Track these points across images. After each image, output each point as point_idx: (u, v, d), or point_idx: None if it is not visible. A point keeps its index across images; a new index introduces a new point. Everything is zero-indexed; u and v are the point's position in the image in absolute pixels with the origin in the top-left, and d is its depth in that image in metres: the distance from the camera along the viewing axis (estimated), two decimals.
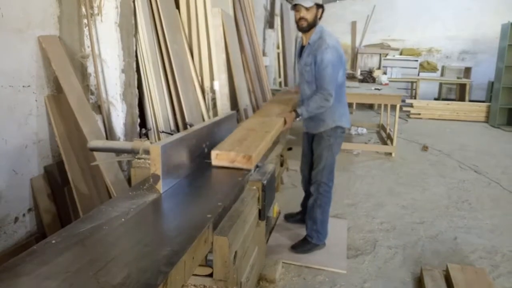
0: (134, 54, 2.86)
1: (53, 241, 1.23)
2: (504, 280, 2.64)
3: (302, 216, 3.32)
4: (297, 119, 2.71)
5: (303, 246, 2.87)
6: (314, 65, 2.58)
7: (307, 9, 2.53)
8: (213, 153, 2.02)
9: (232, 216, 1.61)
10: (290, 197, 3.91)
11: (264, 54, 7.29)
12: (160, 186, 1.63)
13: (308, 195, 3.19)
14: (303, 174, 3.19)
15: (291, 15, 10.22)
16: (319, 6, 2.59)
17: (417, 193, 4.22)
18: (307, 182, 3.12)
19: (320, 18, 2.65)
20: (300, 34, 2.77)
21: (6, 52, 2.16)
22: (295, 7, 2.59)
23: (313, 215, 2.85)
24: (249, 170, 1.97)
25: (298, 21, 2.61)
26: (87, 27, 2.66)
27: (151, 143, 1.96)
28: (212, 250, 1.46)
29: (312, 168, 2.90)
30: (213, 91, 3.64)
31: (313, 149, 2.87)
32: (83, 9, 2.65)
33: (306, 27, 2.59)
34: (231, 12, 4.24)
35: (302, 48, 2.76)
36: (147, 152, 1.92)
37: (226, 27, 3.75)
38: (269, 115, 2.89)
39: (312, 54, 2.59)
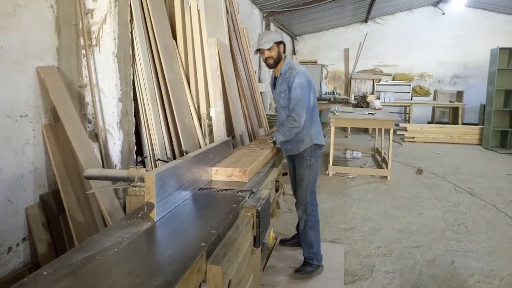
0: (132, 83, 2.92)
1: (45, 273, 1.21)
2: None
3: (298, 239, 3.33)
4: (276, 145, 2.95)
5: (305, 269, 2.93)
6: (288, 90, 2.84)
7: (269, 49, 2.83)
8: (213, 169, 2.31)
9: (226, 244, 1.60)
10: (287, 222, 3.90)
11: (259, 80, 7.43)
12: (154, 215, 1.64)
13: None
14: (295, 196, 3.24)
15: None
16: (278, 43, 2.85)
17: (413, 217, 4.23)
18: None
19: (284, 52, 2.93)
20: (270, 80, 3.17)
21: (4, 83, 2.21)
22: (259, 51, 2.89)
23: (307, 238, 2.95)
24: (245, 183, 2.26)
25: (265, 61, 2.91)
26: (85, 58, 2.73)
27: (147, 170, 1.97)
28: (206, 279, 1.46)
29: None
30: (209, 118, 3.68)
31: (295, 170, 3.06)
32: (82, 40, 2.72)
33: (274, 64, 2.90)
34: (226, 42, 4.35)
35: (275, 79, 3.06)
36: (142, 180, 1.93)
37: (222, 56, 3.85)
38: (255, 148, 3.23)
39: (285, 81, 2.86)
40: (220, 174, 2.33)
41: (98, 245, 1.39)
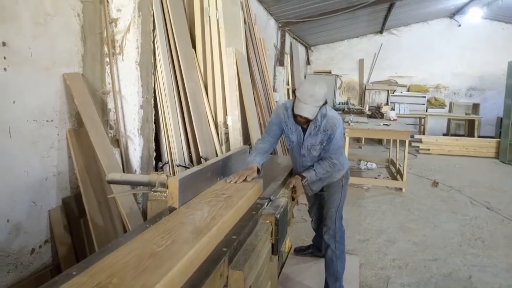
0: (153, 91, 2.99)
1: (74, 273, 1.26)
2: None
3: (313, 250, 3.34)
4: (304, 181, 2.51)
5: None
6: (327, 141, 2.46)
7: None
8: None
9: (246, 250, 1.63)
10: (300, 231, 3.90)
11: (274, 90, 7.48)
12: None
13: (318, 234, 3.21)
14: (312, 216, 3.23)
15: (300, 54, 10.53)
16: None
17: (428, 230, 4.18)
18: (317, 222, 3.17)
19: None
20: (281, 110, 2.56)
21: (33, 89, 2.29)
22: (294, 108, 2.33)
23: (334, 269, 2.70)
24: None
25: (299, 119, 2.36)
26: (108, 65, 2.80)
27: (167, 176, 2.01)
28: (227, 284, 1.48)
29: (321, 207, 2.87)
30: (226, 126, 3.74)
31: (323, 190, 2.77)
32: (106, 49, 2.80)
33: (307, 123, 2.42)
34: (244, 51, 4.42)
35: (299, 125, 2.48)
36: (163, 185, 1.97)
37: (239, 65, 3.91)
38: (203, 205, 1.78)
39: (322, 133, 2.44)
40: None
41: None
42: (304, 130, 2.49)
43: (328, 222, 2.74)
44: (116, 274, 1.14)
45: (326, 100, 2.33)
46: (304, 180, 2.51)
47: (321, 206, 2.92)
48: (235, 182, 2.13)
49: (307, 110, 2.24)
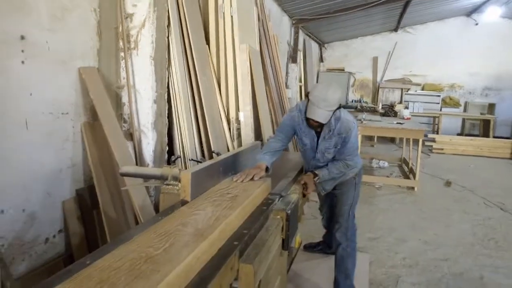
0: (166, 85, 3.01)
1: (88, 262, 1.29)
2: None
3: (323, 246, 3.33)
4: (316, 179, 2.49)
5: None
6: (342, 144, 2.41)
7: None
8: None
9: (257, 244, 1.64)
10: (310, 228, 3.90)
11: (287, 86, 7.47)
12: None
13: (329, 231, 3.21)
14: (323, 213, 3.22)
15: (313, 51, 10.47)
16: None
17: (440, 229, 4.13)
18: (328, 219, 3.16)
19: None
20: (294, 112, 2.49)
21: (49, 82, 2.33)
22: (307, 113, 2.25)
23: (345, 267, 2.67)
24: None
25: (311, 123, 2.30)
26: (123, 60, 2.83)
27: (179, 170, 2.04)
28: (238, 277, 1.49)
29: (333, 205, 2.85)
30: (238, 121, 3.75)
31: (336, 188, 2.71)
32: (121, 43, 2.83)
33: (320, 127, 2.35)
34: (257, 48, 4.42)
35: (310, 128, 2.40)
36: (175, 178, 1.99)
37: (253, 62, 3.91)
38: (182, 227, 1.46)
39: (337, 136, 2.38)
40: None
41: None
42: (318, 134, 2.43)
43: (340, 220, 2.70)
44: (106, 281, 1.05)
45: (340, 104, 2.24)
46: (316, 178, 2.49)
47: (332, 203, 2.89)
48: (242, 181, 2.09)
49: (320, 114, 2.17)
